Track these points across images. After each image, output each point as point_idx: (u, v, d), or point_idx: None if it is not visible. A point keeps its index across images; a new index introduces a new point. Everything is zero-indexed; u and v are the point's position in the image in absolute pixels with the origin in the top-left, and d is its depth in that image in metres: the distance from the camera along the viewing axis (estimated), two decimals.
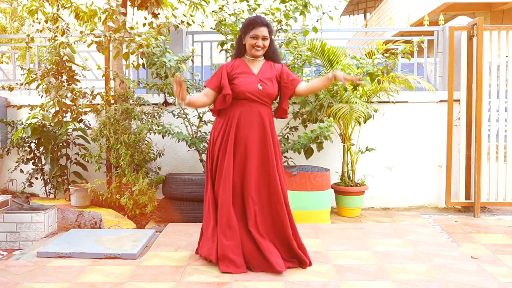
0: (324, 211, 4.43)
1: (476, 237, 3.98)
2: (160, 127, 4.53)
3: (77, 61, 5.31)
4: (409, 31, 6.00)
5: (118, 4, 4.50)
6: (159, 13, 5.19)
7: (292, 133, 4.79)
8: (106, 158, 4.78)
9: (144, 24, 5.18)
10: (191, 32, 5.50)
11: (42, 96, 4.92)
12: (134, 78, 5.46)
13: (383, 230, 4.01)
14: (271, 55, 3.17)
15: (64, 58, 4.87)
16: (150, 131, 4.53)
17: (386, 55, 4.57)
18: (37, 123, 4.80)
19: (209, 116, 4.82)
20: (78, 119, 4.94)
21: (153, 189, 4.42)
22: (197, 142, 4.54)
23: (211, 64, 5.45)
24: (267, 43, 3.09)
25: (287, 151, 4.57)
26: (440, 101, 5.14)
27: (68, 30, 4.94)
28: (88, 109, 4.93)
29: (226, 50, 4.82)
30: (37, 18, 5.15)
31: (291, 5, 4.49)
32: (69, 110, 4.90)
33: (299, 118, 4.80)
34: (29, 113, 5.07)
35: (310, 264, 3.07)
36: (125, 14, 4.65)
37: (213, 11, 4.68)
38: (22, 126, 4.90)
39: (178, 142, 4.65)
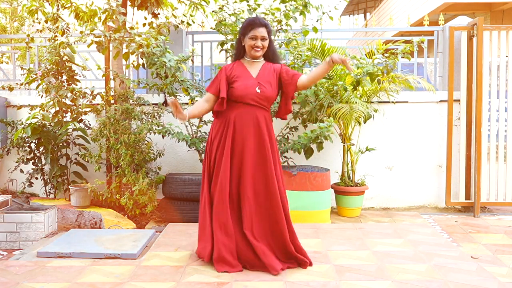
0: (324, 211, 4.43)
1: (476, 237, 3.98)
2: (160, 127, 4.52)
3: (77, 61, 5.31)
4: (409, 31, 6.00)
5: (118, 4, 4.50)
6: (159, 13, 5.19)
7: (292, 133, 4.79)
8: (106, 158, 4.78)
9: (144, 24, 5.18)
10: (191, 32, 5.50)
11: (42, 96, 4.92)
12: (134, 78, 5.46)
13: (383, 230, 4.01)
14: (270, 56, 3.17)
15: (64, 58, 4.87)
16: (150, 131, 4.53)
17: (386, 55, 4.57)
18: (37, 123, 4.80)
19: (209, 116, 4.82)
20: (78, 119, 4.94)
21: (153, 189, 4.42)
22: (197, 142, 4.54)
23: (211, 64, 5.45)
24: (266, 43, 3.09)
25: (287, 151, 4.57)
26: (440, 101, 5.15)
27: (68, 30, 4.94)
28: (88, 109, 4.93)
29: (226, 50, 4.82)
30: (37, 18, 5.15)
31: (291, 5, 4.49)
32: (69, 110, 4.90)
33: (299, 118, 4.80)
34: (29, 113, 5.07)
35: (311, 264, 3.07)
36: (125, 14, 4.65)
37: (213, 11, 4.69)
38: (22, 126, 4.90)
39: (178, 142, 4.65)
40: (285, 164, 4.64)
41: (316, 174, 4.36)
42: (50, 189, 5.00)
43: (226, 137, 3.07)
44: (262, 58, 3.17)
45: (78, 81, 5.01)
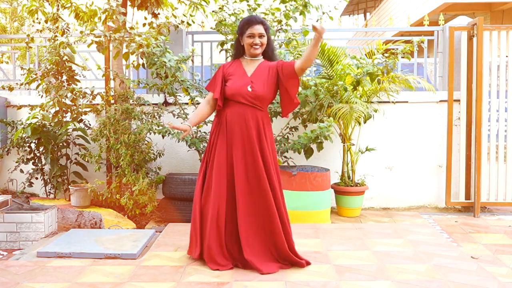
0: (324, 211, 4.43)
1: (476, 237, 3.98)
2: (160, 127, 4.53)
3: (77, 61, 5.31)
4: (409, 31, 6.00)
5: (118, 4, 4.50)
6: (159, 13, 5.19)
7: (292, 133, 4.79)
8: (106, 158, 4.78)
9: (144, 24, 5.18)
10: (191, 32, 5.50)
11: (42, 96, 4.92)
12: (134, 78, 5.46)
13: (383, 230, 4.01)
14: (270, 53, 3.17)
15: (64, 58, 4.87)
16: (150, 131, 4.53)
17: (386, 55, 4.57)
18: (37, 123, 4.80)
19: (209, 117, 4.81)
20: (78, 119, 4.94)
21: (153, 189, 4.42)
22: (197, 142, 4.54)
23: (211, 64, 5.45)
24: (264, 40, 3.09)
25: (287, 151, 4.57)
26: (440, 101, 5.14)
27: (68, 30, 4.94)
28: (88, 109, 4.93)
29: (226, 50, 4.82)
30: (37, 18, 5.15)
31: (291, 5, 4.50)
32: (69, 110, 4.90)
33: (299, 118, 4.80)
34: (29, 113, 5.07)
35: (308, 263, 3.06)
36: (125, 14, 4.65)
37: (213, 11, 4.69)
38: (22, 126, 4.90)
39: (178, 142, 4.65)
40: (285, 164, 4.64)
41: (316, 174, 4.36)
42: (50, 189, 5.00)
43: (219, 135, 3.12)
44: (261, 57, 3.17)
45: (78, 81, 5.01)
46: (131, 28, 4.65)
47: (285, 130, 4.80)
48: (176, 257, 3.26)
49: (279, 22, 4.59)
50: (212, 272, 2.96)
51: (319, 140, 4.32)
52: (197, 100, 4.78)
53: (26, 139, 4.86)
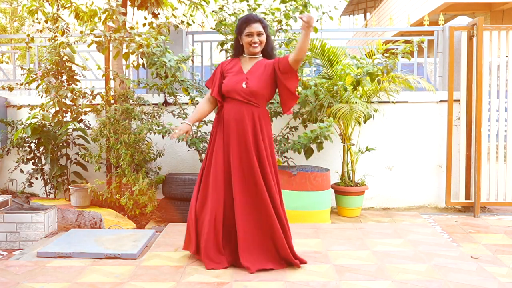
0: (324, 211, 4.43)
1: (476, 237, 3.98)
2: (160, 127, 4.53)
3: (77, 61, 5.31)
4: (409, 31, 6.00)
5: (118, 4, 4.50)
6: (159, 13, 5.19)
7: (292, 133, 4.79)
8: (106, 158, 4.78)
9: (144, 24, 5.18)
10: (191, 32, 5.51)
11: (42, 96, 4.92)
12: (134, 78, 5.46)
13: (383, 230, 4.01)
14: (269, 51, 3.16)
15: (64, 58, 4.87)
16: (150, 131, 4.53)
17: (386, 55, 4.57)
18: (37, 123, 4.80)
19: (209, 116, 4.80)
20: (78, 119, 4.94)
21: (153, 189, 4.42)
22: (197, 142, 4.54)
23: (211, 64, 5.46)
24: (263, 38, 3.09)
25: (287, 151, 4.57)
26: (440, 101, 5.14)
27: (68, 30, 4.94)
28: (88, 109, 4.93)
29: (226, 50, 4.82)
30: (37, 18, 5.15)
31: (291, 5, 4.50)
32: (69, 110, 4.90)
33: (299, 118, 4.80)
34: (29, 113, 5.07)
35: (303, 262, 3.06)
36: (125, 14, 4.65)
37: (213, 11, 4.69)
38: (22, 126, 4.90)
39: (178, 142, 4.65)
40: (285, 164, 4.64)
41: (316, 174, 4.36)
42: (50, 189, 5.00)
43: (218, 133, 3.14)
44: (261, 55, 3.17)
45: (78, 81, 5.00)
46: (131, 28, 4.65)
47: (285, 130, 4.80)
48: (176, 257, 3.26)
49: (279, 22, 4.59)
50: (212, 272, 2.96)
51: (319, 140, 4.33)
52: (197, 100, 4.78)
53: (26, 139, 4.86)
